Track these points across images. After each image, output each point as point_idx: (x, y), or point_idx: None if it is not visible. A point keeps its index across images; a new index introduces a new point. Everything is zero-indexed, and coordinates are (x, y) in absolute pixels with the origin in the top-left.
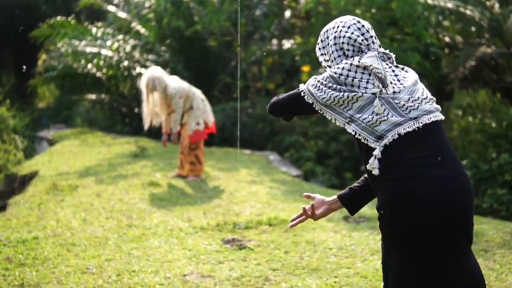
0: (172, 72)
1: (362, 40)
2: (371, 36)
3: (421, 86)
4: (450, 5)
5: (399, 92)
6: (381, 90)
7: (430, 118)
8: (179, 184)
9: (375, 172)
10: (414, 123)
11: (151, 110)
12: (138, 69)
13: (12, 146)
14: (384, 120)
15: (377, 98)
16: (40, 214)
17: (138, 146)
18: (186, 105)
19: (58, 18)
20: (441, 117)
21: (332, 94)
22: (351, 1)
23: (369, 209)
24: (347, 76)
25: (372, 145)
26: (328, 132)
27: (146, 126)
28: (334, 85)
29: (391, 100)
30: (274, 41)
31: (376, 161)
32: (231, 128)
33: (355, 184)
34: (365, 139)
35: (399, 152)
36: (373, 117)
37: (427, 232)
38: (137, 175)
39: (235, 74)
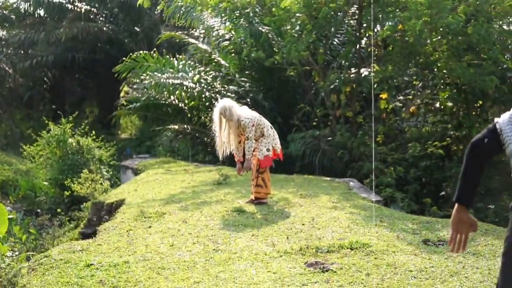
0: (253, 102)
1: None
2: None
3: None
4: None
5: None
6: None
7: None
8: (262, 211)
9: None
10: None
11: (224, 139)
12: (219, 99)
13: (98, 176)
14: None
15: None
16: (129, 240)
17: (221, 174)
18: (257, 133)
19: (141, 52)
20: None
21: None
22: (427, 28)
23: (448, 233)
24: None
25: None
26: (407, 158)
27: (220, 155)
28: None
29: None
30: (352, 70)
31: None
32: (311, 156)
33: (471, 180)
34: None
35: None
36: None
37: None
38: (220, 202)
39: (314, 102)
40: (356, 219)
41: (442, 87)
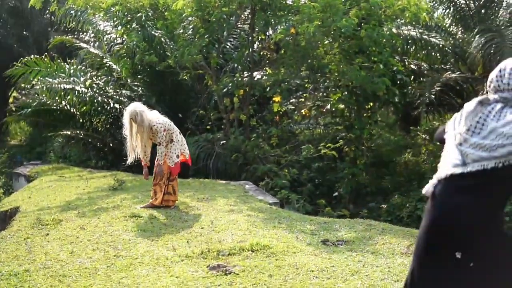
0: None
1: None
2: None
3: None
4: (413, 33)
5: None
6: None
7: None
8: (160, 215)
9: None
10: None
11: (135, 144)
12: (112, 104)
13: None
14: None
15: None
16: (27, 248)
17: (116, 180)
18: (166, 138)
19: (32, 56)
20: None
21: None
22: (320, 31)
23: (347, 233)
24: None
25: None
26: (301, 160)
27: (130, 159)
28: None
29: None
30: (245, 73)
31: None
32: (206, 159)
33: None
34: None
35: None
36: None
37: None
38: (118, 207)
39: (208, 106)
40: (255, 221)
41: (333, 89)
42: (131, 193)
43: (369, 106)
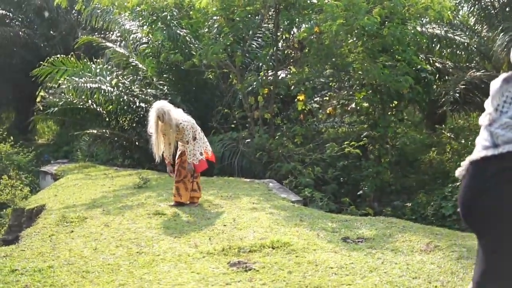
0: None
1: None
2: None
3: None
4: (438, 31)
5: None
6: None
7: None
8: (183, 213)
9: None
10: None
11: (161, 142)
12: (138, 103)
13: (18, 182)
14: None
15: None
16: (52, 245)
17: (141, 178)
18: (191, 136)
19: (58, 56)
20: None
21: None
22: (343, 30)
23: (367, 230)
24: None
25: None
26: (325, 158)
27: (156, 158)
28: None
29: None
30: (270, 72)
31: None
32: (230, 157)
33: None
34: None
35: None
36: None
37: None
38: (142, 205)
39: (232, 105)
40: (277, 219)
41: (358, 88)
42: (156, 191)
43: (393, 104)
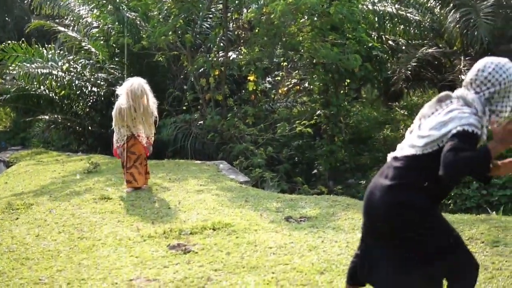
0: None
1: None
2: None
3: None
4: (390, 9)
5: None
6: None
7: None
8: (130, 197)
9: None
10: None
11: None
12: (90, 88)
13: None
14: None
15: None
16: None
17: (91, 163)
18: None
19: (9, 42)
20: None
21: None
22: (289, 9)
23: (311, 210)
24: None
25: None
26: (278, 138)
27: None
28: None
29: None
30: (221, 53)
31: None
32: (183, 140)
33: None
34: None
35: None
36: None
37: None
38: (89, 190)
39: (184, 87)
40: (222, 200)
41: (310, 67)
42: (105, 176)
43: (346, 83)
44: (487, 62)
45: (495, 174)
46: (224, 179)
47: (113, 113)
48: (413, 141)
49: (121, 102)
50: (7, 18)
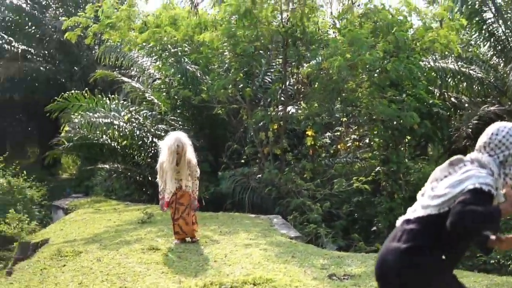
0: None
1: None
2: None
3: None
4: (452, 66)
5: None
6: None
7: None
8: (178, 248)
9: None
10: None
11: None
12: (151, 138)
13: (25, 216)
14: None
15: None
16: (41, 278)
17: (145, 213)
18: (188, 171)
19: (72, 91)
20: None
21: None
22: (346, 65)
23: (356, 267)
24: None
25: None
26: (337, 194)
27: (165, 190)
28: None
29: None
30: (280, 107)
31: None
32: (241, 193)
33: None
34: None
35: None
36: None
37: None
38: (139, 240)
39: (246, 140)
40: (269, 255)
41: (369, 123)
42: (158, 226)
43: (406, 140)
44: (500, 126)
45: (496, 247)
46: (275, 233)
47: (157, 167)
48: (426, 202)
49: (162, 156)
50: (75, 68)
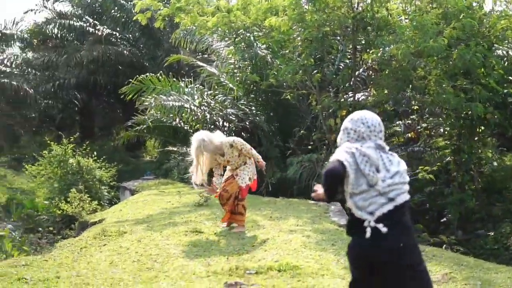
0: (252, 125)
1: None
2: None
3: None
4: None
5: None
6: None
7: None
8: (222, 232)
9: None
10: None
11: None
12: (222, 122)
13: (86, 196)
14: None
15: None
16: (76, 257)
17: (202, 196)
18: (240, 161)
19: (147, 74)
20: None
21: None
22: (409, 52)
23: None
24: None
25: None
26: (410, 183)
27: (195, 186)
28: None
29: None
30: (349, 93)
31: None
32: (308, 179)
33: None
34: None
35: None
36: None
37: None
38: (187, 223)
39: (311, 127)
40: (309, 242)
41: (441, 112)
42: (212, 210)
43: (479, 130)
44: None
45: None
46: (325, 220)
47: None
48: None
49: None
50: (158, 52)
